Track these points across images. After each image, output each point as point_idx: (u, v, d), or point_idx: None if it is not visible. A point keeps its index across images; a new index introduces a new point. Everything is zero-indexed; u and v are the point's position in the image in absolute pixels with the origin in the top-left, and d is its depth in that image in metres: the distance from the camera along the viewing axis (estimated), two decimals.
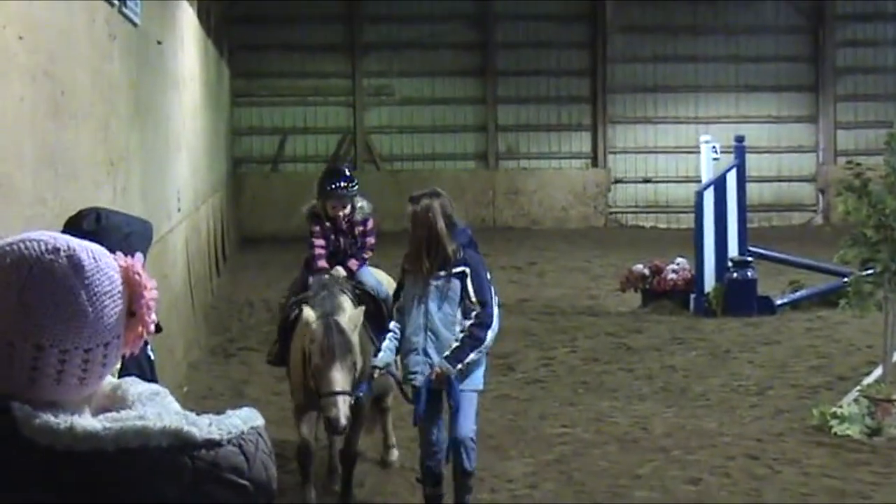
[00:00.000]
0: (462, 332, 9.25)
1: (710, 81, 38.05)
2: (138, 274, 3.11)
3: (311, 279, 10.88)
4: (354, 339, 9.65)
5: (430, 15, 36.92)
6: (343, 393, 9.28)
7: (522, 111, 37.73)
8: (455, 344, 9.21)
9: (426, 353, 9.33)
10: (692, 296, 19.99)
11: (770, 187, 36.47)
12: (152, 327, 3.18)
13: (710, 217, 20.15)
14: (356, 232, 11.20)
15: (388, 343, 9.53)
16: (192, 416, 3.04)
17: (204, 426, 3.01)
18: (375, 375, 9.60)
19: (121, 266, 3.10)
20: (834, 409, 12.62)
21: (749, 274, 19.88)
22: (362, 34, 37.08)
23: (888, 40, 38.53)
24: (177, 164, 17.08)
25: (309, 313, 9.60)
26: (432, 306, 9.34)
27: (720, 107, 37.70)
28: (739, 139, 21.36)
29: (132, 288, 3.10)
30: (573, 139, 38.08)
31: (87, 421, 2.95)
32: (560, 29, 37.71)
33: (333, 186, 11.06)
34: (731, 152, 21.36)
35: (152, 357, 6.00)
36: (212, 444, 2.96)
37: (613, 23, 37.83)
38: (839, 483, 10.82)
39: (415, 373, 9.39)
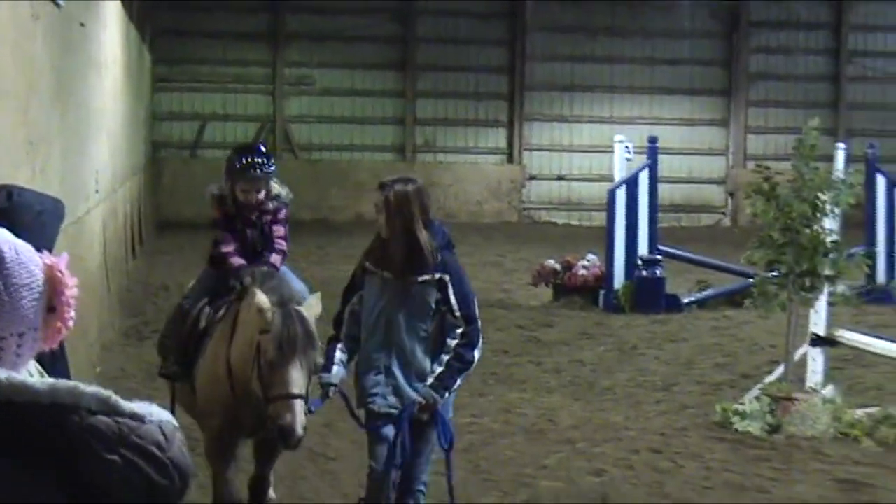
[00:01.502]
0: (444, 351, 7.74)
1: (625, 82, 38.34)
2: (61, 272, 3.21)
3: (236, 277, 8.68)
4: (316, 334, 7.72)
5: (352, 8, 36.88)
6: (300, 397, 7.41)
7: (441, 105, 37.80)
8: (439, 368, 7.73)
9: (389, 373, 7.77)
10: (602, 292, 20.12)
11: (680, 188, 36.74)
12: (71, 324, 3.27)
13: (621, 215, 20.29)
14: (265, 221, 9.16)
15: (340, 355, 7.93)
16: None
17: (128, 403, 3.12)
18: (331, 395, 7.92)
19: (45, 263, 3.20)
20: (736, 406, 12.73)
21: (658, 272, 20.04)
22: (284, 24, 36.96)
23: (800, 48, 38.97)
24: (96, 147, 16.91)
25: (262, 299, 7.57)
26: (400, 318, 7.75)
27: (634, 108, 37.98)
28: (652, 140, 21.53)
29: (54, 285, 3.21)
30: (490, 135, 38.23)
31: (23, 376, 3.05)
32: (480, 26, 37.81)
33: (246, 163, 9.02)
34: (643, 153, 21.54)
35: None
36: (136, 416, 3.11)
37: (533, 21, 38.01)
38: (739, 478, 10.93)
39: (374, 395, 7.79)
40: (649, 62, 38.51)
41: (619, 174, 21.10)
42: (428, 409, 7.70)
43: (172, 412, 7.49)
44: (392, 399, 7.76)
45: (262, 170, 9.02)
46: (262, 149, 9.53)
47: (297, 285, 8.71)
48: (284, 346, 7.43)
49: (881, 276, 20.72)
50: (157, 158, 35.07)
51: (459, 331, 7.74)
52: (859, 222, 19.89)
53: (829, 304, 13.19)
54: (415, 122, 37.80)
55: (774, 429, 12.28)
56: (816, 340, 13.01)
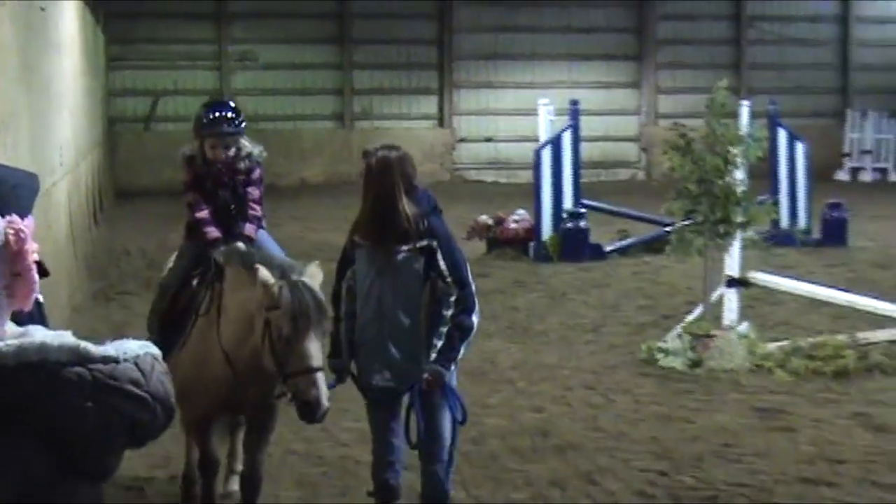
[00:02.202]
0: (442, 323, 6.98)
1: (545, 50, 38.25)
2: (22, 233, 3.17)
3: (212, 254, 7.86)
4: (325, 303, 7.03)
5: None
6: (321, 369, 6.80)
7: (376, 76, 37.58)
8: (439, 342, 6.97)
9: (383, 348, 7.05)
10: (531, 244, 20.19)
11: (599, 146, 36.67)
12: (36, 285, 3.25)
13: (547, 173, 20.34)
14: (237, 182, 8.24)
15: (346, 333, 7.22)
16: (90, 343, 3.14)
17: (101, 347, 3.10)
18: (344, 380, 7.32)
19: (10, 230, 3.17)
20: (660, 344, 12.86)
21: (582, 224, 20.11)
22: (228, 4, 36.59)
23: (704, 14, 39.06)
24: (59, 124, 16.80)
25: (265, 274, 6.83)
26: (390, 290, 7.01)
27: (555, 73, 37.92)
28: (574, 103, 21.62)
29: (15, 249, 3.17)
30: (422, 102, 38.06)
31: None
32: (409, 1, 37.62)
33: (214, 118, 8.19)
34: (565, 115, 21.58)
35: (41, 300, 5.96)
36: (108, 359, 3.07)
37: None
38: (666, 409, 11.05)
39: (370, 371, 7.15)
40: (567, 30, 38.42)
41: (544, 135, 21.14)
42: (436, 384, 6.97)
43: None
44: (387, 374, 7.07)
45: (230, 125, 8.20)
46: (231, 104, 8.66)
47: (277, 252, 8.00)
48: (299, 320, 6.73)
49: (784, 222, 20.92)
50: (112, 133, 34.67)
51: (453, 297, 6.96)
52: (764, 173, 19.99)
53: (741, 248, 13.31)
54: (352, 93, 37.60)
55: (695, 364, 12.42)
56: (731, 282, 13.16)
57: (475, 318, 7.05)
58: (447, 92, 38.07)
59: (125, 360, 3.11)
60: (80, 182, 20.64)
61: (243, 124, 8.27)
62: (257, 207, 8.25)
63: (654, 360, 12.62)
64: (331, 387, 6.98)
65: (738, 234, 13.02)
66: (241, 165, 8.22)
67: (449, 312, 6.96)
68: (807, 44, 39.43)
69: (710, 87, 13.44)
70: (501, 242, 20.59)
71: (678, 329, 13.01)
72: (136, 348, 3.17)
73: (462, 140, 38.24)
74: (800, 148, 21.71)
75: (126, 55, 35.88)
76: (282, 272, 6.91)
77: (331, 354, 7.22)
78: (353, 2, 37.25)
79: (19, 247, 3.19)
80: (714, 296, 13.18)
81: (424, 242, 6.98)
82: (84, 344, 3.08)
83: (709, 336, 12.65)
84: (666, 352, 12.64)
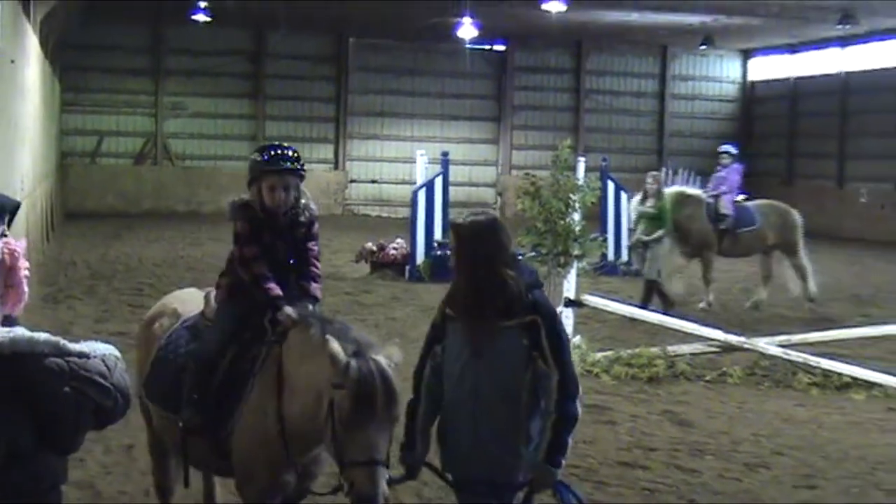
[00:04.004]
0: (539, 410, 5.01)
1: (423, 111, 38.45)
2: (16, 252, 3.23)
3: (270, 316, 5.60)
4: (399, 389, 4.98)
5: (217, 49, 36.25)
6: (382, 463, 4.81)
7: (283, 126, 37.40)
8: (536, 431, 5.01)
9: (477, 436, 5.02)
10: (407, 267, 20.21)
11: (464, 189, 36.78)
12: (27, 296, 3.32)
13: (422, 210, 20.38)
14: (299, 235, 5.87)
15: (424, 420, 5.19)
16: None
17: (75, 345, 3.22)
18: (415, 477, 5.35)
19: (6, 249, 3.23)
20: None
21: (448, 252, 20.11)
22: (164, 62, 36.18)
23: (550, 87, 39.58)
24: (22, 156, 16.49)
25: (336, 348, 4.91)
26: (488, 370, 5.00)
27: (430, 130, 38.11)
28: (444, 154, 21.77)
29: (9, 265, 3.24)
30: (321, 149, 37.97)
31: None
32: (314, 66, 37.58)
33: (274, 155, 5.84)
34: (438, 163, 21.67)
35: None
36: (82, 354, 3.19)
37: (353, 63, 37.92)
38: None
39: (461, 461, 5.12)
40: (440, 96, 38.68)
41: (420, 179, 21.21)
42: (545, 486, 5.03)
43: (186, 470, 5.92)
44: (483, 467, 5.05)
45: (292, 164, 5.85)
46: (291, 147, 6.08)
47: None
48: (363, 403, 4.84)
49: (611, 255, 21.18)
50: (64, 164, 34.03)
51: (555, 380, 4.95)
52: (595, 215, 20.24)
53: (577, 275, 13.41)
54: (264, 139, 37.36)
55: None
56: (568, 302, 13.20)
57: (579, 406, 5.04)
58: (342, 141, 38.02)
59: (94, 357, 3.23)
60: (37, 204, 20.24)
61: (304, 169, 5.95)
62: (318, 266, 6.00)
63: None
64: (395, 481, 5.09)
65: (575, 264, 13.13)
66: (303, 218, 5.89)
67: (552, 399, 4.97)
68: (631, 113, 40.17)
69: (555, 145, 13.58)
70: (383, 265, 20.58)
71: None
72: (103, 348, 3.32)
73: (353, 181, 38.22)
74: (624, 196, 22.03)
75: (78, 101, 35.30)
76: (356, 348, 5.02)
77: (403, 446, 5.23)
78: (267, 64, 37.11)
79: (13, 263, 3.26)
80: None
81: (529, 317, 5.00)
82: (63, 340, 3.19)
83: None
84: None
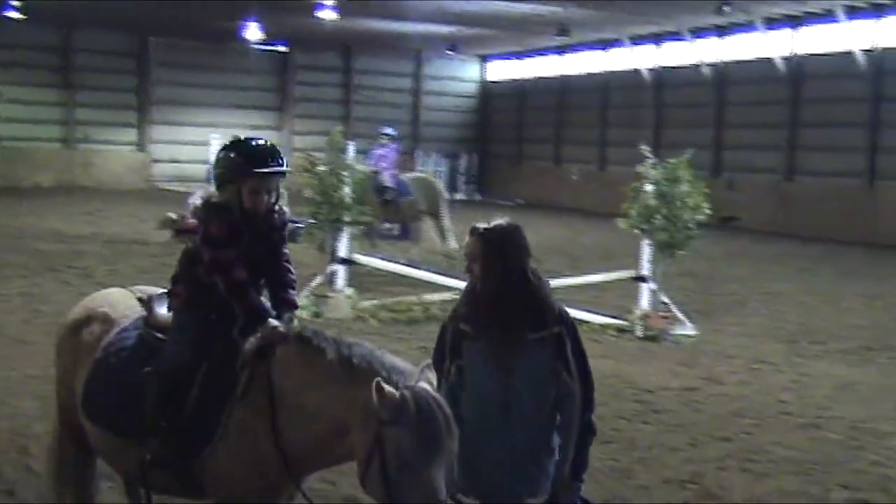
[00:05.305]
0: (569, 426, 4.16)
1: (216, 101, 37.58)
2: None
3: (241, 326, 4.36)
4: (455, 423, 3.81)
5: (29, 44, 34.28)
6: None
7: (97, 113, 35.92)
8: (571, 450, 4.14)
9: (514, 455, 4.10)
10: None
11: None
12: None
13: (214, 185, 19.94)
14: (274, 238, 4.62)
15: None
16: None
17: None
18: None
19: None
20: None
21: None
22: None
23: (327, 83, 39.32)
24: None
25: (383, 384, 3.68)
26: (521, 385, 4.07)
27: (223, 117, 37.07)
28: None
29: None
30: (125, 132, 36.70)
31: None
32: (119, 60, 36.24)
33: (259, 154, 4.49)
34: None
35: None
36: None
37: (155, 59, 36.78)
38: None
39: (498, 485, 4.10)
40: (232, 88, 37.88)
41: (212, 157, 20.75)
42: (568, 501, 4.19)
43: (149, 499, 4.48)
44: (515, 484, 4.11)
45: (279, 163, 4.49)
46: (271, 142, 4.67)
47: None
48: (429, 442, 3.66)
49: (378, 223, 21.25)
50: None
51: (578, 393, 4.13)
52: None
53: (348, 239, 13.50)
54: (76, 123, 35.87)
55: (317, 315, 12.52)
56: (342, 261, 13.32)
57: (594, 419, 4.29)
58: (145, 126, 36.85)
59: None
60: None
61: (287, 166, 4.56)
62: (293, 270, 4.70)
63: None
64: None
65: (347, 230, 13.24)
66: (278, 221, 4.64)
67: (567, 412, 4.14)
68: (392, 106, 40.38)
69: (329, 132, 13.64)
70: (184, 232, 20.08)
71: (306, 291, 13.09)
72: None
73: (155, 160, 37.06)
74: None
75: None
76: (388, 374, 3.84)
77: None
78: (76, 59, 35.53)
79: None
80: (329, 270, 13.32)
81: (556, 328, 4.14)
82: None
83: (325, 296, 12.78)
84: (304, 307, 12.66)
